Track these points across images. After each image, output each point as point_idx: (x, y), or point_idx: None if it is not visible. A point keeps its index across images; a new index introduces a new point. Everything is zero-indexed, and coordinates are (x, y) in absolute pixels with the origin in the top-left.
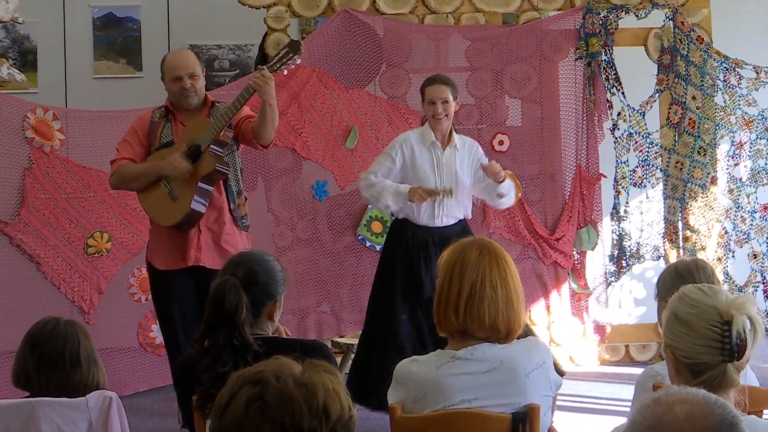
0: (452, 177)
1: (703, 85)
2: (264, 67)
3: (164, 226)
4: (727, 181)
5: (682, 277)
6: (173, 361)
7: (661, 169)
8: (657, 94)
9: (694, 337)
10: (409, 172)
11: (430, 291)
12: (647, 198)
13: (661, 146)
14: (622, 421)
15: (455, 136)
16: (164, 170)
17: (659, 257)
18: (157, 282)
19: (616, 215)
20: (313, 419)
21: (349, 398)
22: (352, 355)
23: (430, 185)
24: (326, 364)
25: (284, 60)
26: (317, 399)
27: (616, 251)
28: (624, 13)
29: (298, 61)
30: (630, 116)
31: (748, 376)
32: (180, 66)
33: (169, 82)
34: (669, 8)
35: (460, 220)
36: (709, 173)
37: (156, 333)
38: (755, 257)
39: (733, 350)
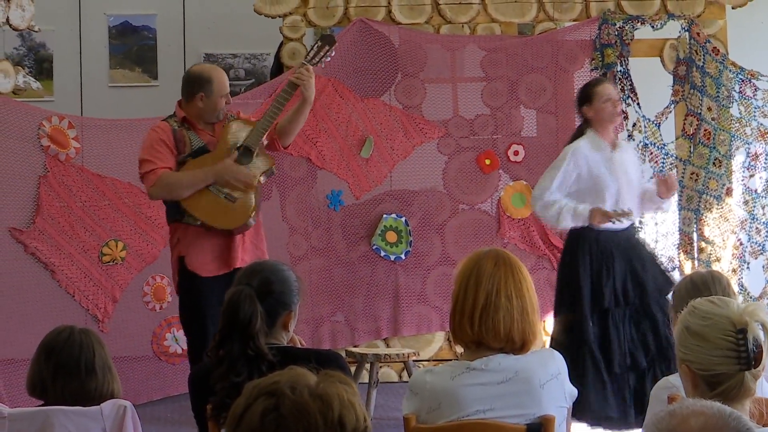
0: (626, 178)
1: (718, 96)
2: (304, 62)
3: (210, 232)
4: (743, 193)
5: (699, 289)
6: None
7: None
8: (672, 105)
9: (709, 349)
10: (584, 182)
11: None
12: (662, 209)
13: (676, 157)
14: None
15: (620, 139)
16: (223, 177)
17: (674, 268)
18: (197, 290)
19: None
20: (329, 431)
21: (364, 409)
22: (367, 365)
23: (608, 190)
24: (341, 375)
25: (321, 54)
26: (332, 410)
27: None
28: (640, 24)
29: (333, 54)
30: (645, 127)
31: (763, 387)
32: (227, 84)
33: (217, 98)
34: (685, 19)
35: (633, 224)
36: (724, 184)
37: (170, 342)
38: None
39: (750, 357)
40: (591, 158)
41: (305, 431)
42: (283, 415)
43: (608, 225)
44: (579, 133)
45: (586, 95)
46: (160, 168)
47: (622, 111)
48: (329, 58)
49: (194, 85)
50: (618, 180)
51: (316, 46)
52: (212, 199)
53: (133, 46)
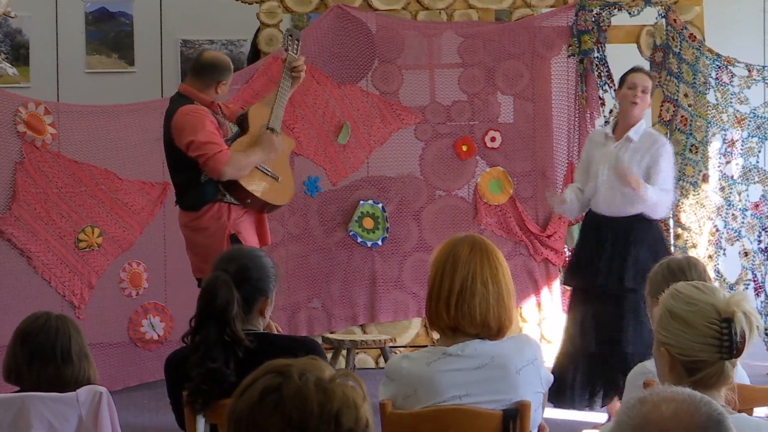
0: (611, 174)
1: (695, 82)
2: (295, 55)
3: (246, 210)
4: (719, 179)
5: (675, 275)
6: None
7: None
8: None
9: (692, 335)
10: (589, 168)
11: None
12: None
13: None
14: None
15: (635, 130)
16: (270, 149)
17: None
18: None
19: None
20: (322, 423)
21: (369, 414)
22: (343, 351)
23: (598, 179)
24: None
25: (297, 47)
26: (331, 405)
27: None
28: (617, 10)
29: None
30: None
31: (739, 373)
32: None
33: (229, 86)
34: (662, 6)
35: (636, 215)
36: (700, 171)
37: (146, 328)
38: (746, 255)
39: (733, 347)
40: (596, 146)
41: (300, 417)
42: (283, 397)
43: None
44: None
45: (621, 80)
46: (226, 149)
47: (638, 104)
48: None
49: (218, 72)
50: (603, 171)
51: (288, 39)
52: (262, 176)
53: (109, 32)
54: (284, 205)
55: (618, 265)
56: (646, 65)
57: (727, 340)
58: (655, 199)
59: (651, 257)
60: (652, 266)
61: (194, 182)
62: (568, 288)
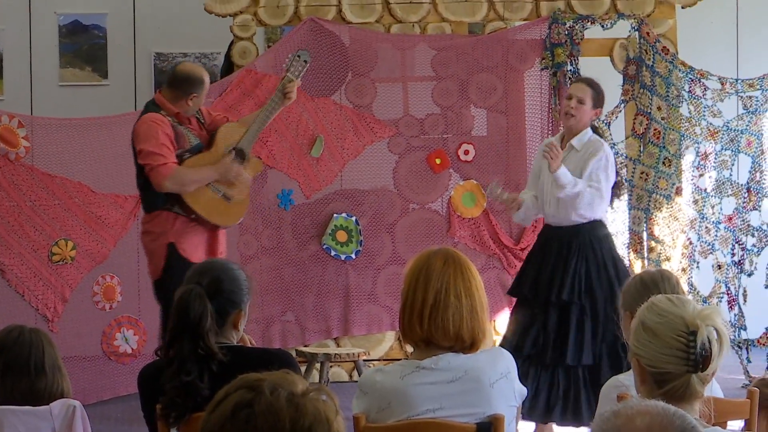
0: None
1: (668, 95)
2: (293, 77)
3: (197, 224)
4: (692, 192)
5: (648, 287)
6: None
7: (626, 180)
8: (622, 105)
9: (660, 346)
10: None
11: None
12: (612, 208)
13: (626, 156)
14: (587, 430)
15: (578, 139)
16: (226, 176)
17: None
18: (184, 274)
19: None
20: None
21: (343, 429)
22: (317, 365)
23: (543, 187)
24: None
25: (302, 71)
26: (303, 420)
27: None
28: (590, 23)
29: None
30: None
31: (713, 387)
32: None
33: (203, 98)
34: (635, 19)
35: (581, 224)
36: (674, 184)
37: (120, 342)
38: (719, 268)
39: (698, 361)
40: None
41: None
42: (255, 413)
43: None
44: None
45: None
46: (171, 163)
47: (574, 115)
48: (304, 72)
49: (189, 84)
50: (543, 180)
51: (298, 62)
52: (212, 196)
53: (83, 45)
54: (235, 224)
55: (559, 277)
56: (620, 78)
57: (693, 353)
58: (578, 189)
59: (596, 271)
60: (596, 281)
61: (150, 186)
62: (514, 297)
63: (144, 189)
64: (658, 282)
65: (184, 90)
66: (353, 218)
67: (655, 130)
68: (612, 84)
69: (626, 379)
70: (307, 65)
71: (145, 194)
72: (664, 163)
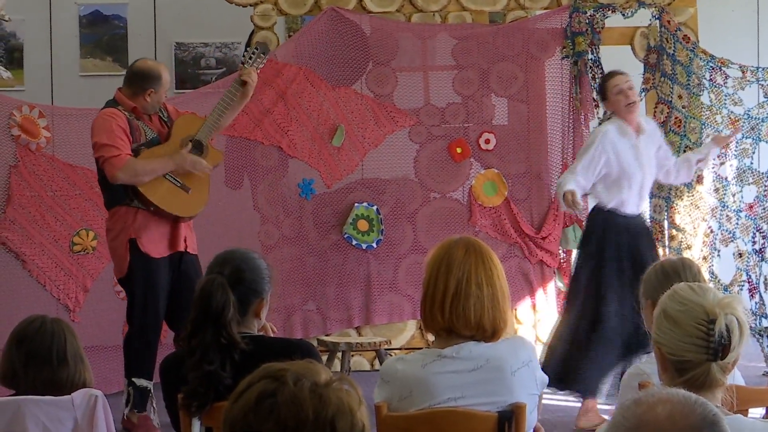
0: (649, 165)
1: (689, 84)
2: (246, 65)
3: (157, 216)
4: (713, 180)
5: (669, 276)
6: (150, 347)
7: None
8: (643, 93)
9: (680, 335)
10: (612, 167)
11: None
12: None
13: None
14: (607, 418)
15: (642, 119)
16: (182, 166)
17: None
18: (151, 269)
19: None
20: (317, 429)
21: (365, 419)
22: (339, 354)
23: (634, 179)
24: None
25: (259, 60)
26: (327, 411)
27: None
28: (610, 12)
29: (265, 62)
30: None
31: (735, 375)
32: (169, 81)
33: (162, 94)
34: (655, 7)
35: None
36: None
37: None
38: (740, 256)
39: (717, 349)
40: (619, 144)
41: (295, 423)
42: (278, 403)
43: (624, 210)
44: (606, 118)
45: (601, 92)
46: (125, 154)
47: (640, 96)
48: (262, 65)
49: (145, 80)
50: (643, 169)
51: (253, 52)
52: (169, 186)
53: (103, 36)
54: (193, 215)
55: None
56: (641, 67)
57: (712, 341)
58: None
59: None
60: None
61: (108, 183)
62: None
63: (103, 185)
64: (679, 270)
65: (141, 86)
66: (374, 207)
67: (675, 118)
68: (633, 73)
69: (647, 367)
70: (266, 57)
71: (105, 191)
72: (684, 151)
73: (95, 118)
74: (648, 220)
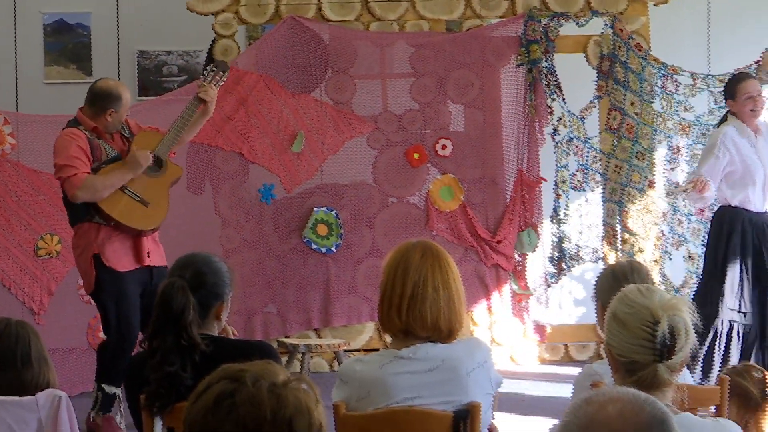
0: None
1: (641, 91)
2: (204, 83)
3: (119, 231)
4: (665, 185)
5: (618, 278)
6: (123, 356)
7: (600, 173)
8: (596, 100)
9: (628, 336)
10: (736, 166)
11: None
12: (587, 201)
13: (600, 151)
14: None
15: (761, 123)
16: (136, 168)
17: (598, 259)
18: (118, 282)
19: (556, 218)
20: (275, 429)
21: (323, 419)
22: (298, 355)
23: (758, 175)
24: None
25: (218, 78)
26: (284, 411)
27: (556, 253)
28: (565, 20)
29: (225, 80)
30: (570, 121)
31: (685, 375)
32: (130, 101)
33: (123, 113)
34: (608, 16)
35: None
36: (646, 177)
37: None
38: (691, 259)
39: (662, 351)
40: (739, 143)
41: (253, 423)
42: (237, 403)
43: (749, 206)
44: (724, 119)
45: (730, 91)
46: (82, 172)
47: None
48: (222, 83)
49: (106, 101)
50: (765, 166)
51: (211, 70)
52: (128, 201)
53: (68, 44)
54: (155, 228)
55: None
56: (594, 74)
57: (658, 342)
58: None
59: None
60: None
61: (71, 201)
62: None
63: (66, 204)
64: (627, 274)
65: (102, 106)
66: (333, 212)
67: (628, 124)
68: (586, 80)
69: (599, 368)
70: (225, 75)
71: (68, 209)
72: (637, 156)
73: (57, 139)
74: (601, 224)
